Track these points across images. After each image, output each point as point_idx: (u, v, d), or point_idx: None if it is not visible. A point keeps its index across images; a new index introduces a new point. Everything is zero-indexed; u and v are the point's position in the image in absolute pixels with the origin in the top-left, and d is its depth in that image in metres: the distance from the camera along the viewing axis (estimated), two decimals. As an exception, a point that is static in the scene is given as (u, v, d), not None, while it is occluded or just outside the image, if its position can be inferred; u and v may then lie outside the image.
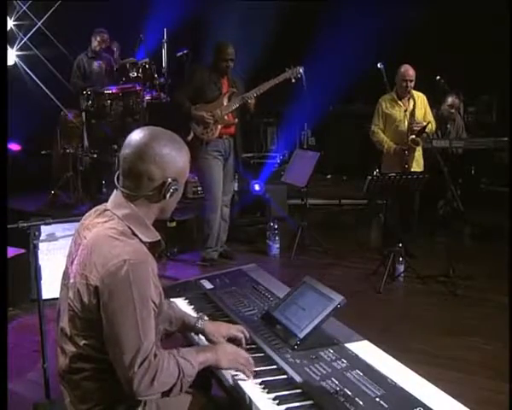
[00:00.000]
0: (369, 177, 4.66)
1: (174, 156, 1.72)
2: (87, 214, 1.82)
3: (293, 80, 5.27)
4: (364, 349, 1.98)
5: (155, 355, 1.64)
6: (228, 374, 1.86)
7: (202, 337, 2.08)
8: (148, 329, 1.62)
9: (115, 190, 1.78)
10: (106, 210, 1.75)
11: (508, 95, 6.60)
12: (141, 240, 1.69)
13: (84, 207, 5.58)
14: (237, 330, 2.06)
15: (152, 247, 1.74)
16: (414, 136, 5.05)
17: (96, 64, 6.91)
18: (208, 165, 5.13)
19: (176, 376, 1.68)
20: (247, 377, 1.81)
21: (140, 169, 1.69)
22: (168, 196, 1.73)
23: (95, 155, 6.27)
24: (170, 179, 1.71)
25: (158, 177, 1.70)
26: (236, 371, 1.83)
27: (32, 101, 6.45)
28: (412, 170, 5.09)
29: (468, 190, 6.08)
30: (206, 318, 2.14)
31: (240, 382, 1.80)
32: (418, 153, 5.30)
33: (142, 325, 1.60)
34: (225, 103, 5.12)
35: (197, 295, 2.52)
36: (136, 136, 1.73)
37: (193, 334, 2.11)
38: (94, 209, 1.81)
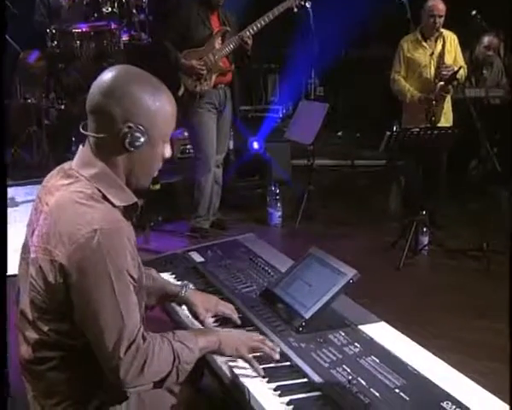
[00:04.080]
0: (388, 133, 4.63)
1: (145, 99, 1.67)
2: (49, 176, 1.80)
3: (296, 9, 5.18)
4: (381, 332, 1.98)
5: (144, 339, 1.63)
6: (222, 361, 1.85)
7: (186, 309, 2.11)
8: (130, 307, 1.61)
9: (81, 146, 1.75)
10: (71, 170, 1.72)
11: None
12: (113, 204, 1.68)
13: (50, 168, 5.54)
14: (227, 308, 2.08)
15: (126, 212, 1.72)
16: (442, 83, 5.00)
17: (63, -3, 6.80)
18: (199, 119, 5.09)
19: (170, 362, 1.68)
20: (272, 358, 1.81)
21: (102, 105, 1.66)
22: (127, 143, 1.67)
23: (62, 107, 6.22)
24: (133, 125, 1.66)
25: (120, 119, 1.65)
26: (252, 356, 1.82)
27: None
28: (439, 124, 5.04)
29: (506, 148, 6.04)
30: (191, 286, 2.16)
31: (236, 370, 1.80)
32: (447, 104, 5.26)
33: (124, 304, 1.59)
34: (218, 46, 5.06)
35: (185, 270, 2.53)
36: (107, 72, 1.71)
37: (174, 305, 2.14)
38: (57, 169, 1.78)
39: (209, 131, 5.14)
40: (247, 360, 1.80)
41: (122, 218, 1.68)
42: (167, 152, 1.78)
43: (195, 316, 2.08)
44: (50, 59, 6.16)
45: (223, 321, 2.08)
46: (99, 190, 1.67)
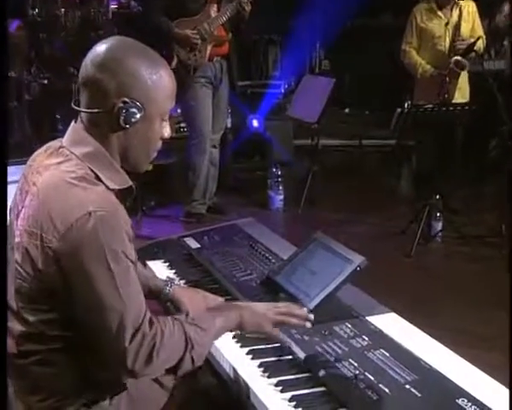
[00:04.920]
0: (399, 110, 4.64)
1: (142, 73, 1.67)
2: (36, 154, 1.79)
3: None
4: (391, 324, 1.99)
5: (151, 324, 1.63)
6: (219, 354, 1.87)
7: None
8: (132, 292, 1.61)
9: (73, 122, 1.74)
10: (61, 148, 1.72)
11: None
12: (107, 187, 1.67)
13: (34, 149, 5.53)
14: (214, 303, 2.07)
15: (121, 195, 1.72)
16: (458, 57, 4.99)
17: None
18: (194, 94, 5.10)
19: (182, 348, 1.67)
20: (303, 326, 1.82)
21: (95, 78, 1.65)
22: (122, 119, 1.66)
23: (45, 81, 6.19)
24: (128, 100, 1.66)
25: (114, 93, 1.65)
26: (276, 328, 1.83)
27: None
28: (454, 100, 5.04)
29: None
30: (176, 281, 2.17)
31: (234, 364, 1.82)
32: (463, 79, 5.23)
33: (125, 288, 1.59)
34: (213, 14, 5.04)
35: (180, 257, 2.54)
36: (101, 43, 1.71)
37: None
38: (45, 147, 1.78)
39: (204, 108, 5.14)
40: (272, 337, 1.82)
41: (117, 201, 1.67)
42: (166, 131, 1.76)
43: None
44: (32, 28, 6.12)
45: None
46: (92, 171, 1.66)
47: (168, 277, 2.19)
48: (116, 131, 1.69)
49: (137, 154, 1.75)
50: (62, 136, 1.76)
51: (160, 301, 2.12)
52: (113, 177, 1.69)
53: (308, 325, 1.83)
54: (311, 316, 1.85)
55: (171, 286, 2.10)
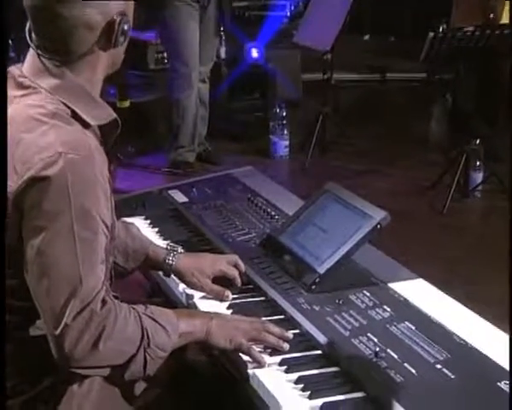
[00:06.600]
0: (432, 34, 4.59)
1: None
2: None
3: None
4: (418, 292, 2.01)
5: (104, 303, 1.62)
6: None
7: (177, 281, 2.11)
8: (92, 261, 1.61)
9: (31, 47, 1.74)
10: (22, 78, 1.71)
11: None
12: (85, 124, 1.68)
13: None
14: (228, 264, 2.09)
15: (103, 133, 1.74)
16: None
17: None
18: (176, 15, 5.10)
19: (137, 342, 1.66)
20: (281, 348, 1.79)
21: (66, 22, 1.65)
22: (122, 39, 1.71)
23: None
24: (117, 17, 1.68)
25: (98, 20, 1.67)
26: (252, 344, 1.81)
27: None
28: (502, 22, 5.00)
29: None
30: (180, 249, 2.16)
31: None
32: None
33: (85, 255, 1.59)
34: None
35: (164, 213, 2.56)
36: None
37: (161, 274, 2.14)
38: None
39: (190, 36, 5.13)
40: (244, 352, 1.79)
41: (96, 144, 1.69)
42: None
43: (192, 287, 2.08)
44: None
45: (224, 284, 2.07)
46: (66, 106, 1.67)
47: (169, 244, 2.20)
48: (94, 52, 1.71)
49: (120, 58, 1.82)
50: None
51: (163, 272, 2.13)
52: (91, 110, 1.71)
53: (285, 346, 1.79)
54: (290, 335, 1.82)
55: (174, 256, 2.10)
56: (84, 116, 1.68)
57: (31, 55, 1.73)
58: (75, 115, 1.67)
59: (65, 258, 1.58)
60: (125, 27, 1.71)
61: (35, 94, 1.68)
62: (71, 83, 1.70)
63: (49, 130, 1.61)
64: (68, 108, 1.67)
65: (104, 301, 1.62)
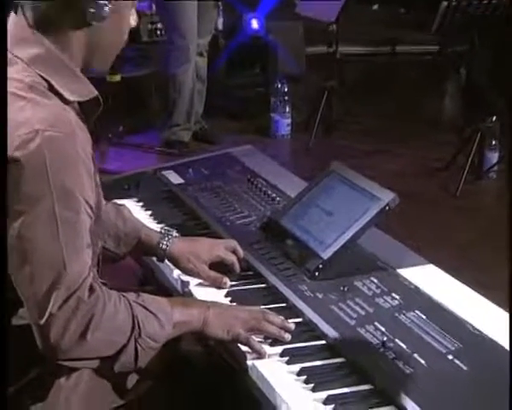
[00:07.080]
0: (445, 4, 4.56)
1: None
2: None
3: None
4: (429, 278, 2.00)
5: (92, 291, 1.62)
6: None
7: (171, 267, 2.11)
8: (75, 244, 1.60)
9: (12, 14, 1.72)
10: None
11: None
12: (64, 99, 1.67)
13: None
14: (225, 249, 2.09)
15: (83, 111, 1.73)
16: None
17: None
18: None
19: (127, 332, 1.65)
20: (282, 338, 1.79)
21: None
22: (89, 14, 1.66)
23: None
24: None
25: None
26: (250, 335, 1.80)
27: None
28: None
29: None
30: (175, 233, 2.15)
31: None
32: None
33: (66, 237, 1.58)
34: None
35: (157, 195, 2.56)
36: None
37: (155, 259, 2.14)
38: None
39: (187, 4, 5.11)
40: (243, 343, 1.78)
41: (76, 119, 1.67)
42: (133, 19, 1.79)
43: (187, 273, 2.08)
44: None
45: (222, 270, 2.07)
46: (43, 79, 1.65)
47: (163, 227, 2.19)
48: (78, 27, 1.69)
49: (106, 53, 1.78)
50: None
51: (157, 257, 2.12)
52: (71, 85, 1.69)
53: (287, 336, 1.79)
54: (292, 325, 1.82)
55: (168, 240, 2.10)
56: (61, 90, 1.67)
57: (10, 22, 1.72)
58: (52, 89, 1.66)
59: (46, 241, 1.57)
60: (101, 5, 1.67)
61: (10, 66, 1.66)
62: (49, 53, 1.68)
63: (25, 105, 1.60)
64: (45, 80, 1.66)
65: (92, 289, 1.61)
